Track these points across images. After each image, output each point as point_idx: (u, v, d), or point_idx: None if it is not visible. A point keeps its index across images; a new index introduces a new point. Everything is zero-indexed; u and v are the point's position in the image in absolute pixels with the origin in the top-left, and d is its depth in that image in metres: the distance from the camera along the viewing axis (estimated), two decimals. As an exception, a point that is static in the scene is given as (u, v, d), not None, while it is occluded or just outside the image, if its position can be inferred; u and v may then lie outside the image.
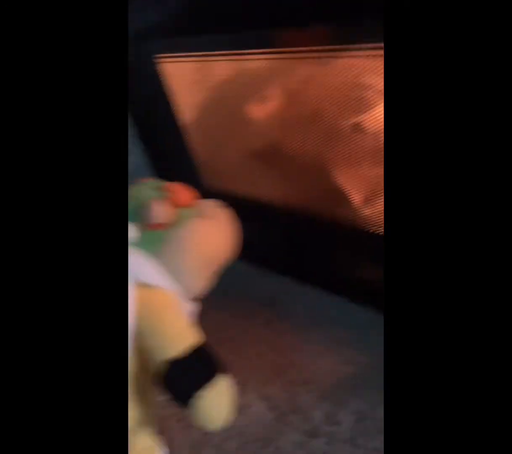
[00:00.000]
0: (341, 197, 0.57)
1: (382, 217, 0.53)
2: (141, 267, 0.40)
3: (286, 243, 0.71)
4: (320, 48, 0.46)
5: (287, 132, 0.56)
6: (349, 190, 0.55)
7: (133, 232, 0.40)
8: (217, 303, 0.70)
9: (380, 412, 0.50)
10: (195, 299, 0.45)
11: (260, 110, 0.57)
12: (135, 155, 0.65)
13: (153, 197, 0.42)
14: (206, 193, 0.74)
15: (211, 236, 0.42)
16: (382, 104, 0.45)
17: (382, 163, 0.48)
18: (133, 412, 0.40)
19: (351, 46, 0.43)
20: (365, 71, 0.44)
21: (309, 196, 0.61)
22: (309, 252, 0.67)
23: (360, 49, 0.43)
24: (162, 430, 0.52)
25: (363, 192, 0.54)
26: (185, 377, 0.36)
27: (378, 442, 0.47)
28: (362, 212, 0.56)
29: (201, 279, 0.43)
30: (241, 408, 0.53)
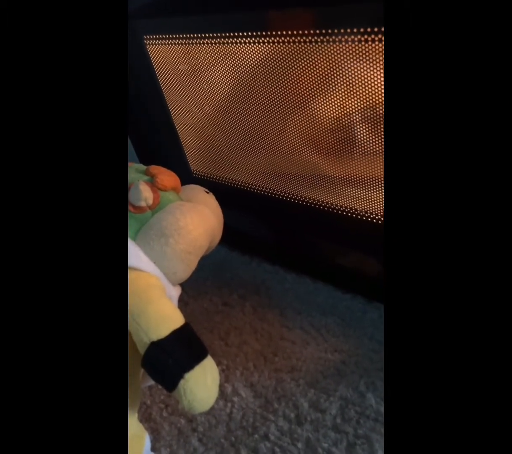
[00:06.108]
0: (327, 183, 0.56)
1: (370, 204, 0.53)
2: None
3: (272, 230, 0.71)
4: (310, 31, 0.45)
5: (275, 118, 0.55)
6: (336, 177, 0.55)
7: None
8: (202, 290, 0.70)
9: (365, 399, 0.50)
10: (177, 284, 0.45)
11: (248, 95, 0.56)
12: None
13: (138, 180, 0.42)
14: (192, 178, 0.73)
15: (195, 220, 0.41)
16: (377, 92, 0.44)
17: (375, 151, 0.48)
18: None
19: (343, 29, 0.43)
20: (356, 56, 0.43)
21: (296, 183, 0.60)
22: (295, 239, 0.67)
23: (352, 33, 0.42)
24: (147, 418, 0.52)
25: (349, 180, 0.54)
26: (170, 359, 0.35)
27: (364, 429, 0.47)
28: (349, 198, 0.56)
29: (183, 264, 0.42)
30: (226, 396, 0.53)
